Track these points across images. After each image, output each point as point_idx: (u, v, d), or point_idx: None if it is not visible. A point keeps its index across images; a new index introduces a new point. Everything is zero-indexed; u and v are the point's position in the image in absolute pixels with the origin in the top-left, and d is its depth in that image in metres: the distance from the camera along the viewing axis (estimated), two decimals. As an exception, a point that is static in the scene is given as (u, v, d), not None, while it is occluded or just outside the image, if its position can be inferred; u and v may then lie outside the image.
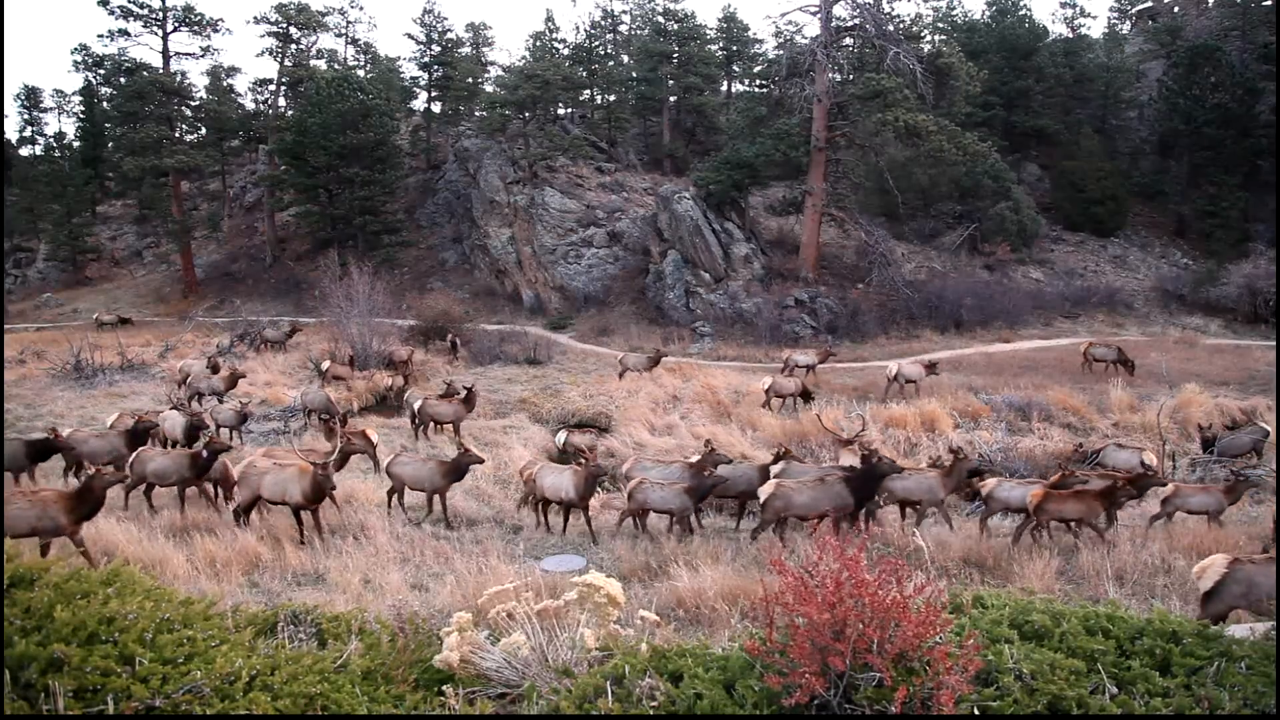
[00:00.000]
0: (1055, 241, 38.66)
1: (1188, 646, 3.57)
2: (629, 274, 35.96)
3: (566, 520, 11.53)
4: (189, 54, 41.09)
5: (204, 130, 44.42)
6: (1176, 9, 49.92)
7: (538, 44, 52.77)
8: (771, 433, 17.90)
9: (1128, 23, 56.87)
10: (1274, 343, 25.40)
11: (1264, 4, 42.40)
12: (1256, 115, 37.65)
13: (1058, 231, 39.30)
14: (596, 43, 50.85)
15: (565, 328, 32.92)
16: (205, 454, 11.51)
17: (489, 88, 49.97)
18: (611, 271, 36.23)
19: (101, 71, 45.48)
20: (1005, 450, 16.18)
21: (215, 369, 21.43)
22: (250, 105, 47.90)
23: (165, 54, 40.29)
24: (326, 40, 56.96)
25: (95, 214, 48.50)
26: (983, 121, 39.57)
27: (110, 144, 47.91)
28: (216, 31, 40.48)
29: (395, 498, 11.94)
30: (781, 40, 47.35)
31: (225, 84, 45.46)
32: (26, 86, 58.42)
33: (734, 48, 52.16)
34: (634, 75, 49.70)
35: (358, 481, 13.18)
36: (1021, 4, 44.92)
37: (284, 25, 43.87)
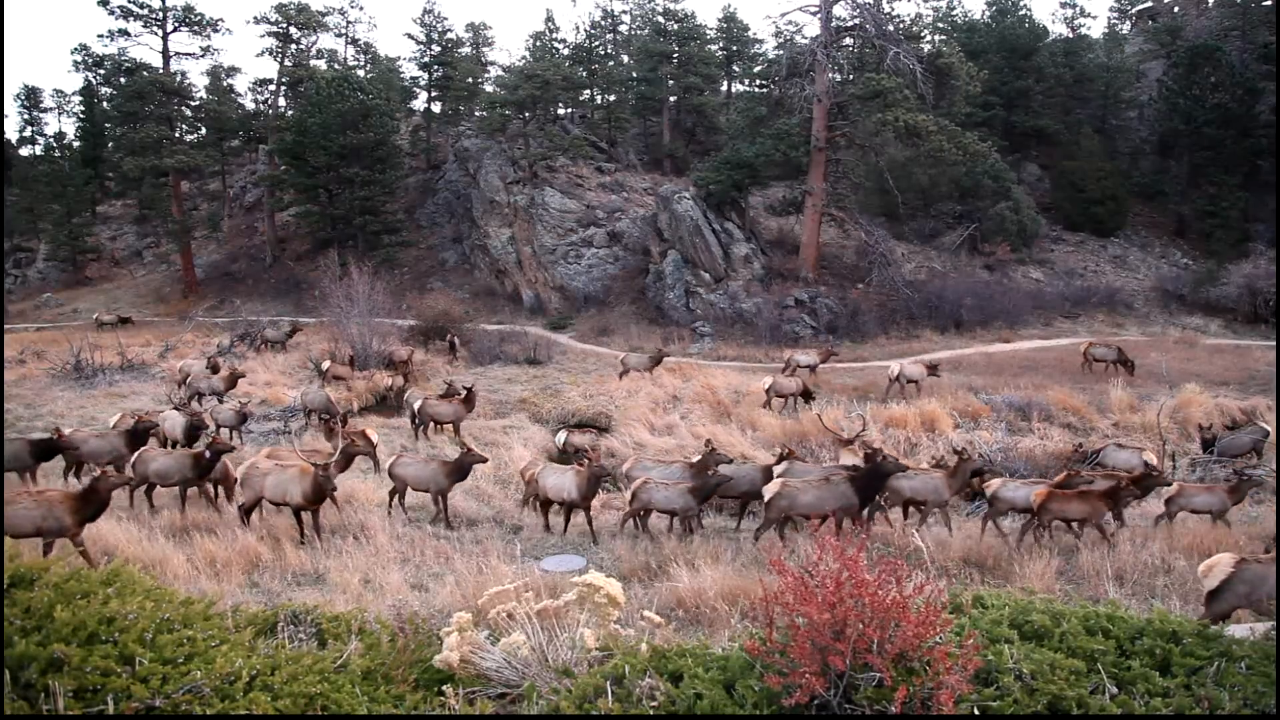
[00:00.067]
0: (1055, 241, 38.66)
1: (1188, 646, 3.57)
2: (629, 274, 35.97)
3: (568, 520, 11.53)
4: (189, 54, 41.15)
5: (204, 130, 44.43)
6: (1176, 9, 49.92)
7: (538, 44, 52.82)
8: (771, 433, 17.89)
9: (1128, 23, 56.89)
10: (1274, 343, 25.40)
11: (1264, 4, 42.41)
12: (1256, 115, 37.65)
13: (1058, 231, 39.31)
14: (596, 43, 50.87)
15: (565, 328, 32.92)
16: (208, 455, 11.52)
17: (489, 88, 49.98)
18: (611, 271, 36.23)
19: (101, 71, 45.55)
20: (1005, 450, 16.17)
21: (215, 369, 21.44)
22: (250, 105, 47.97)
23: (165, 54, 40.29)
24: (326, 40, 57.13)
25: (95, 214, 48.50)
26: (983, 121, 39.57)
27: (110, 144, 47.93)
28: (216, 31, 40.53)
29: (396, 498, 11.94)
30: (781, 40, 47.38)
31: (225, 84, 45.47)
32: (26, 86, 58.52)
33: (734, 48, 52.16)
34: (634, 75, 49.70)
35: (358, 481, 13.18)
36: (1021, 4, 44.92)
37: (284, 25, 43.88)
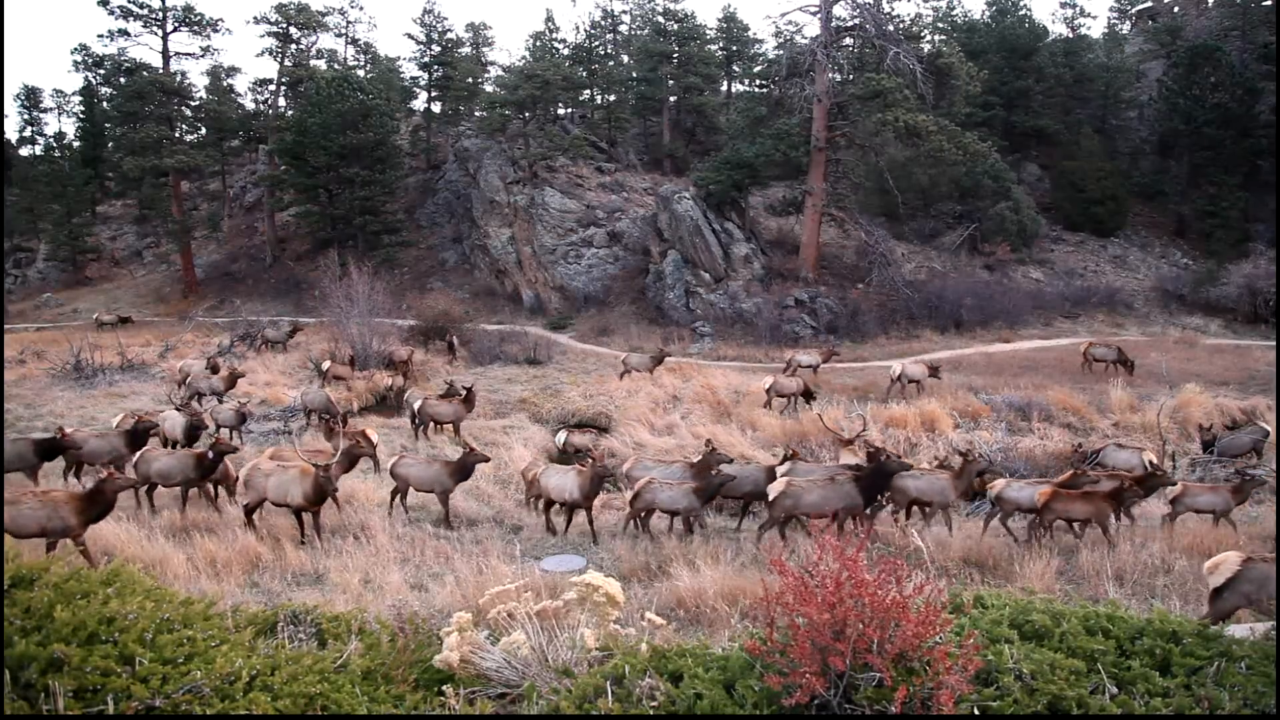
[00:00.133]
0: (1055, 241, 38.66)
1: (1188, 646, 3.57)
2: (629, 274, 35.97)
3: (570, 520, 11.52)
4: (189, 54, 41.14)
5: (204, 130, 44.42)
6: (1176, 9, 49.92)
7: (538, 44, 52.81)
8: (771, 433, 17.89)
9: (1128, 23, 56.88)
10: (1274, 343, 25.40)
11: (1264, 4, 42.41)
12: (1256, 115, 37.66)
13: (1058, 231, 39.31)
14: (596, 43, 50.87)
15: (565, 328, 32.92)
16: (211, 455, 11.54)
17: (489, 88, 49.98)
18: (611, 271, 36.23)
19: (101, 71, 45.54)
20: (1005, 450, 16.17)
21: (215, 369, 21.43)
22: (250, 105, 47.93)
23: (165, 54, 40.29)
24: (326, 40, 57.11)
25: (95, 214, 48.49)
26: (983, 121, 39.58)
27: (110, 144, 47.91)
28: (216, 31, 40.51)
29: (398, 498, 11.94)
30: (781, 40, 47.36)
31: (225, 84, 45.45)
32: (26, 86, 58.46)
33: (734, 48, 52.16)
34: (634, 75, 49.70)
35: (358, 481, 13.17)
36: (1021, 4, 44.93)
37: (284, 25, 43.87)
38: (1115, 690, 3.27)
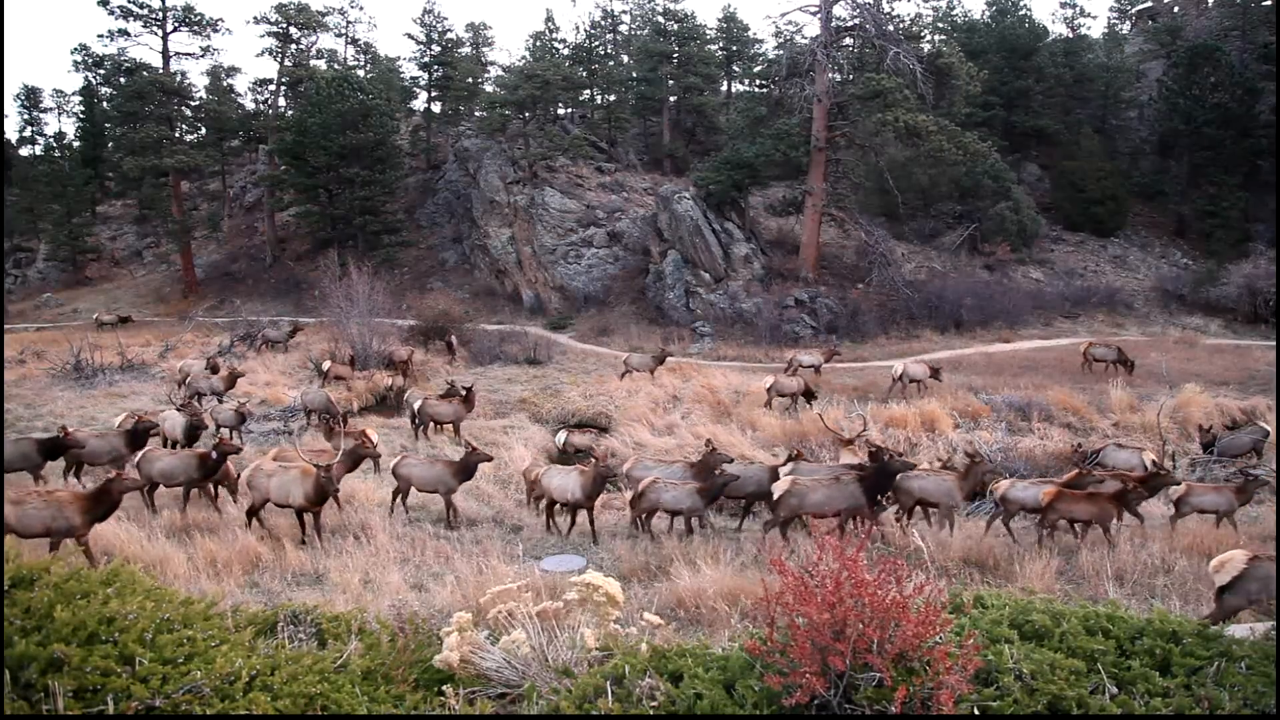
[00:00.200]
0: (1055, 241, 38.66)
1: (1188, 646, 3.57)
2: (629, 274, 35.97)
3: (574, 521, 11.50)
4: (189, 54, 41.15)
5: (204, 130, 44.43)
6: (1176, 9, 49.92)
7: (538, 44, 52.79)
8: (771, 433, 17.89)
9: (1128, 23, 56.88)
10: (1274, 343, 25.40)
11: (1264, 4, 42.41)
12: (1256, 115, 37.65)
13: (1058, 231, 39.31)
14: (596, 43, 50.86)
15: (565, 328, 32.92)
16: (215, 455, 11.55)
17: (489, 88, 49.98)
18: (611, 271, 36.23)
19: (101, 71, 45.52)
20: (1005, 450, 16.18)
21: (214, 369, 21.44)
22: (250, 105, 47.96)
23: (165, 54, 40.29)
24: (326, 40, 57.04)
25: (95, 214, 48.49)
26: (983, 121, 39.58)
27: (110, 144, 47.91)
28: (216, 31, 40.52)
29: (399, 498, 11.94)
30: (781, 40, 47.36)
31: (225, 84, 45.47)
32: (26, 86, 58.49)
33: (734, 48, 52.15)
34: (634, 75, 49.69)
35: (358, 481, 13.17)
36: (1021, 4, 44.93)
37: (284, 25, 43.87)
38: (1115, 690, 3.27)
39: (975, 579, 8.71)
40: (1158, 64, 45.35)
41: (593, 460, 11.50)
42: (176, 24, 39.87)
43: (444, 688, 3.99)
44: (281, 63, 44.54)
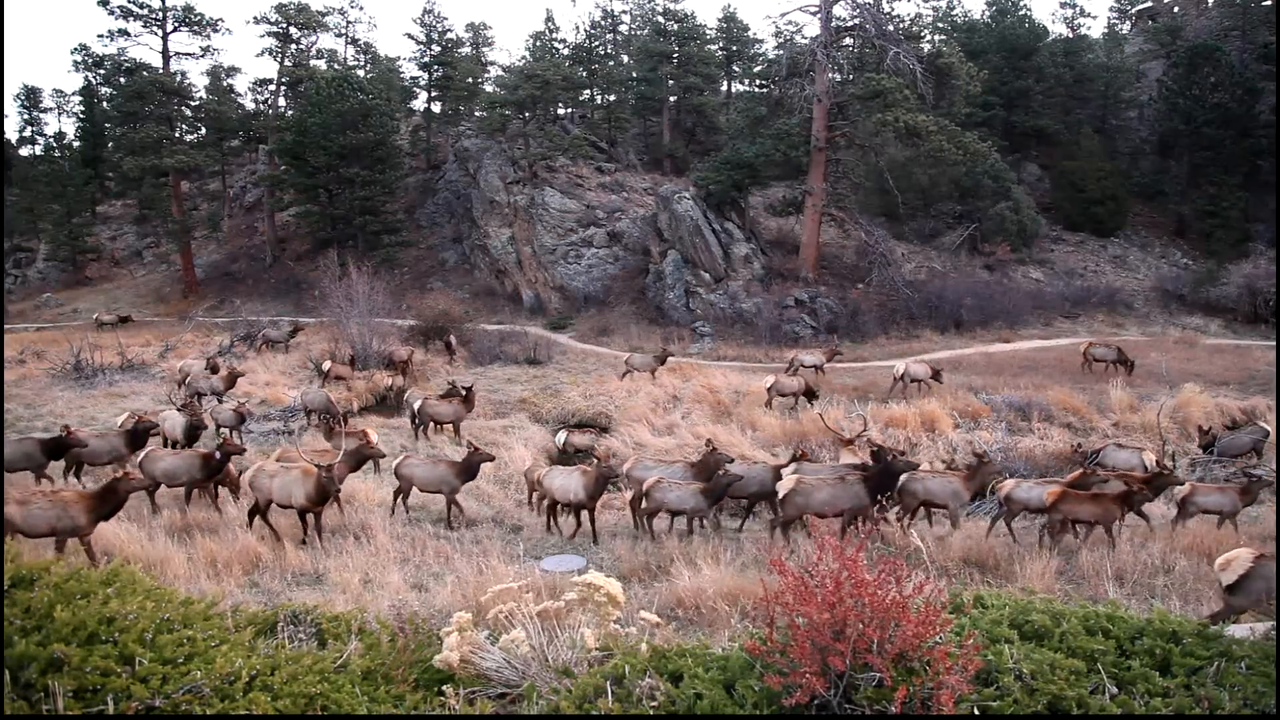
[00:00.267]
0: (1055, 241, 38.67)
1: (1188, 646, 3.57)
2: (629, 274, 35.97)
3: (579, 522, 11.48)
4: (189, 54, 41.14)
5: (204, 130, 44.42)
6: (1176, 9, 49.92)
7: (538, 44, 52.81)
8: (771, 433, 17.89)
9: (1128, 23, 56.89)
10: (1274, 343, 25.40)
11: (1264, 4, 42.41)
12: (1256, 115, 37.66)
13: (1058, 231, 39.31)
14: (596, 43, 50.87)
15: (565, 328, 32.92)
16: (218, 455, 11.56)
17: (489, 88, 49.98)
18: (611, 271, 36.23)
19: (101, 71, 45.52)
20: (1005, 450, 16.18)
21: (214, 369, 21.43)
22: (250, 105, 47.97)
23: (165, 54, 40.29)
24: (326, 40, 57.04)
25: (95, 214, 48.49)
26: (983, 121, 39.58)
27: (110, 144, 47.92)
28: (216, 31, 40.52)
29: (400, 499, 11.93)
30: (781, 40, 47.40)
31: (225, 84, 45.48)
32: (26, 86, 58.48)
33: (734, 48, 52.16)
34: (634, 75, 49.69)
35: (358, 481, 13.17)
36: (1021, 4, 44.93)
37: (284, 25, 43.87)
38: (1115, 690, 3.27)
39: (975, 579, 8.70)
40: (1158, 64, 45.36)
41: (594, 460, 11.48)
42: (176, 24, 39.88)
43: (444, 688, 3.99)
44: (281, 63, 44.55)
